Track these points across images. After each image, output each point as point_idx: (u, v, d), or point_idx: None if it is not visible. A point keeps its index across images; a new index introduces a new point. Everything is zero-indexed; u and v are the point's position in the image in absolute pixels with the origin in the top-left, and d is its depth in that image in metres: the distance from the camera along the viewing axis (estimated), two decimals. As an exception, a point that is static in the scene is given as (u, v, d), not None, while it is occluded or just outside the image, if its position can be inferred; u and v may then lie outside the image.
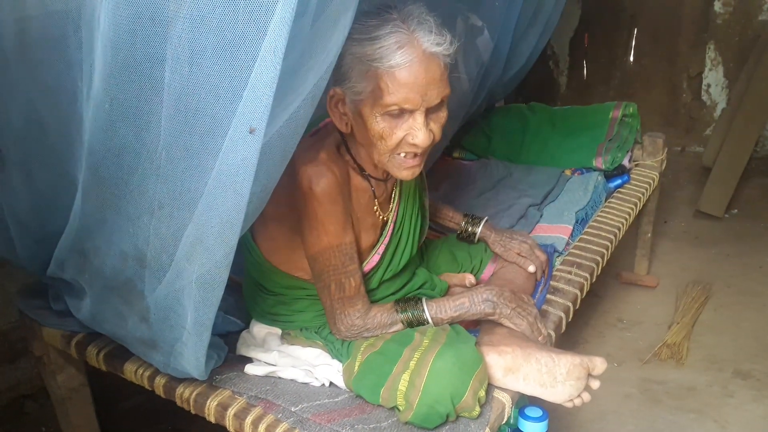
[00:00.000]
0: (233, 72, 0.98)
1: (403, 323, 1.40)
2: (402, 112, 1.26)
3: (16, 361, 2.12)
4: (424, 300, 1.42)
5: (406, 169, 1.33)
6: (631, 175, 2.55)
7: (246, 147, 0.99)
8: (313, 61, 1.05)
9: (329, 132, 1.42)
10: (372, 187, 1.44)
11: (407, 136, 1.27)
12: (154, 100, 1.06)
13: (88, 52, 1.10)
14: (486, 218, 1.79)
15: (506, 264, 1.74)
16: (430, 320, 1.40)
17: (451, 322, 1.43)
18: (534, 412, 1.55)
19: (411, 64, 1.22)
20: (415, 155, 1.31)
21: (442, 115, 1.32)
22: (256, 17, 0.93)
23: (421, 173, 1.60)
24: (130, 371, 1.47)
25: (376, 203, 1.46)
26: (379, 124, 1.26)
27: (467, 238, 1.78)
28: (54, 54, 1.16)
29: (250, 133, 0.97)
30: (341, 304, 1.39)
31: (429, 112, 1.28)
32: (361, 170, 1.42)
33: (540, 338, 1.45)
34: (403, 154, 1.31)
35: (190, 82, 1.01)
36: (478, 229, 1.76)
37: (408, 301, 1.42)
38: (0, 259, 1.89)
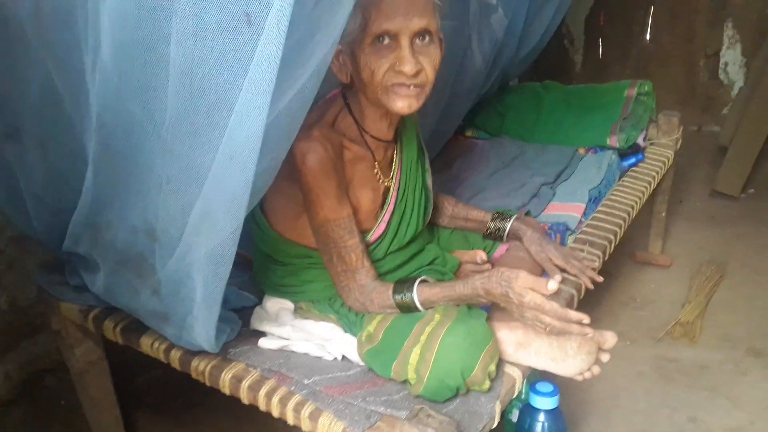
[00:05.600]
0: (238, 47, 0.98)
1: (398, 306, 1.38)
2: (390, 42, 1.28)
3: (36, 336, 2.15)
4: (416, 285, 1.38)
5: (401, 98, 1.32)
6: (646, 154, 2.54)
7: (252, 123, 0.99)
8: (319, 36, 1.05)
9: (326, 106, 1.45)
10: (372, 150, 1.46)
11: (394, 65, 1.29)
12: (161, 75, 1.06)
13: (93, 27, 1.11)
14: (517, 215, 1.72)
15: (515, 249, 1.72)
16: (420, 307, 1.37)
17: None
18: (545, 387, 1.57)
19: None
20: (407, 86, 1.32)
21: (434, 53, 1.33)
22: None
23: (423, 151, 1.63)
24: (147, 344, 1.50)
25: (377, 167, 1.48)
26: (369, 57, 1.29)
27: (495, 235, 1.74)
28: (64, 29, 1.17)
29: (245, 18, 0.95)
30: (345, 276, 1.40)
31: (417, 43, 1.30)
32: (363, 132, 1.44)
33: (546, 329, 1.31)
34: (394, 85, 1.31)
35: (195, 57, 1.01)
36: (507, 225, 1.71)
37: (405, 282, 1.40)
38: (19, 234, 1.94)
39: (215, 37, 0.99)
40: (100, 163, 1.28)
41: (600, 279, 1.69)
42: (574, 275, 1.68)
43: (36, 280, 1.70)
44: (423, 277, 1.41)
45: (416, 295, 1.37)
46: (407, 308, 1.38)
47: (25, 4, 1.20)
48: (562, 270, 1.67)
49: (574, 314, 1.29)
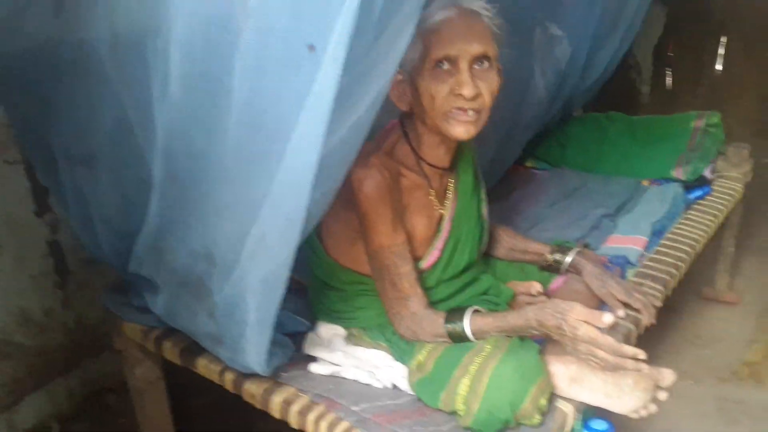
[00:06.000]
0: (297, 79, 1.02)
1: (449, 335, 1.38)
2: (449, 67, 1.32)
3: (100, 355, 2.22)
4: (468, 314, 1.37)
5: (459, 124, 1.35)
6: (714, 187, 2.46)
7: (309, 152, 1.02)
8: (377, 70, 1.08)
9: (386, 136, 1.48)
10: (428, 178, 1.48)
11: (454, 89, 1.32)
12: (224, 106, 1.11)
13: (162, 60, 1.17)
14: (578, 249, 1.70)
15: (571, 281, 1.70)
16: (471, 336, 1.36)
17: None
18: (599, 424, 1.52)
19: (451, 19, 1.32)
20: (466, 111, 1.34)
21: (492, 78, 1.35)
22: (319, 27, 0.96)
23: (479, 180, 1.63)
24: (203, 366, 1.54)
25: (433, 194, 1.49)
26: (429, 83, 1.33)
27: (553, 268, 1.72)
28: (136, 62, 1.23)
29: (309, 50, 0.99)
30: (397, 303, 1.41)
31: (475, 68, 1.33)
32: (419, 159, 1.46)
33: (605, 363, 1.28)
34: (454, 110, 1.34)
35: (256, 89, 1.06)
36: (567, 258, 1.68)
37: (457, 311, 1.40)
38: (90, 256, 2.02)
39: (276, 71, 1.04)
40: (164, 189, 1.34)
41: (654, 322, 1.64)
42: (637, 310, 1.64)
43: (102, 300, 1.77)
44: (475, 307, 1.41)
45: (468, 324, 1.36)
46: (459, 338, 1.37)
47: (103, 39, 1.27)
48: (625, 305, 1.63)
49: (630, 349, 1.26)
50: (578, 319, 1.26)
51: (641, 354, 1.26)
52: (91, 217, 1.55)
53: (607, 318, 1.24)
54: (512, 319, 1.34)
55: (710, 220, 2.25)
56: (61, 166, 1.52)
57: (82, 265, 2.12)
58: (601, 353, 1.26)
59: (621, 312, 1.54)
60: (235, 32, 1.04)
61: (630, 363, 1.26)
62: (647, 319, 1.63)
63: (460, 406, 1.28)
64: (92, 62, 1.30)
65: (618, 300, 1.63)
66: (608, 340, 1.25)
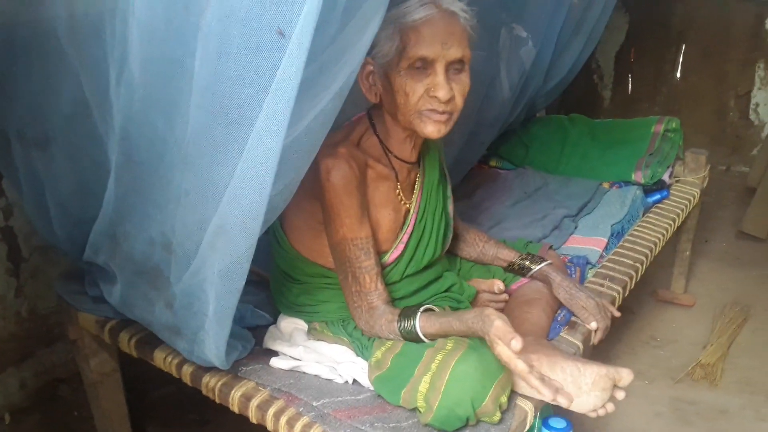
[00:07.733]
0: (260, 65, 1.00)
1: (401, 333, 1.38)
2: (425, 67, 1.32)
3: (53, 345, 2.17)
4: (419, 313, 1.38)
5: (432, 123, 1.36)
6: (671, 191, 2.52)
7: (271, 141, 1.00)
8: (343, 60, 1.07)
9: (353, 126, 1.47)
10: (395, 171, 1.47)
11: (429, 90, 1.33)
12: (184, 90, 1.09)
13: (120, 41, 1.14)
14: (549, 261, 1.70)
15: (534, 281, 1.71)
16: (421, 335, 1.36)
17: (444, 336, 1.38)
18: (558, 422, 1.54)
19: (431, 18, 1.31)
20: (440, 112, 1.35)
21: (465, 80, 1.37)
22: (283, 11, 0.95)
23: (445, 177, 1.63)
24: (160, 358, 1.50)
25: (399, 188, 1.49)
26: (403, 79, 1.33)
27: (518, 272, 1.72)
28: (94, 42, 1.21)
29: (278, 34, 0.97)
30: (358, 297, 1.41)
31: (450, 71, 1.34)
32: (387, 152, 1.46)
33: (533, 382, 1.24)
34: (427, 110, 1.35)
35: (218, 73, 1.03)
36: (535, 267, 1.69)
37: (410, 310, 1.40)
38: (44, 244, 1.97)
39: (239, 55, 1.01)
40: (121, 174, 1.31)
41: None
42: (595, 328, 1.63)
43: (56, 289, 1.72)
44: (427, 306, 1.41)
45: (418, 323, 1.36)
46: (410, 336, 1.38)
47: (61, 16, 1.24)
48: None
49: (535, 382, 1.22)
50: (496, 335, 1.23)
51: (546, 391, 1.23)
52: (45, 201, 1.51)
53: (515, 345, 1.19)
54: (456, 324, 1.33)
55: (668, 224, 2.30)
56: (14, 148, 1.47)
57: (36, 252, 2.07)
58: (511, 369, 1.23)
59: (593, 325, 1.57)
60: (197, 14, 1.02)
61: (536, 385, 1.23)
62: (596, 340, 1.64)
63: (420, 403, 1.27)
64: (50, 42, 1.27)
65: (588, 313, 1.63)
66: (518, 366, 1.20)
